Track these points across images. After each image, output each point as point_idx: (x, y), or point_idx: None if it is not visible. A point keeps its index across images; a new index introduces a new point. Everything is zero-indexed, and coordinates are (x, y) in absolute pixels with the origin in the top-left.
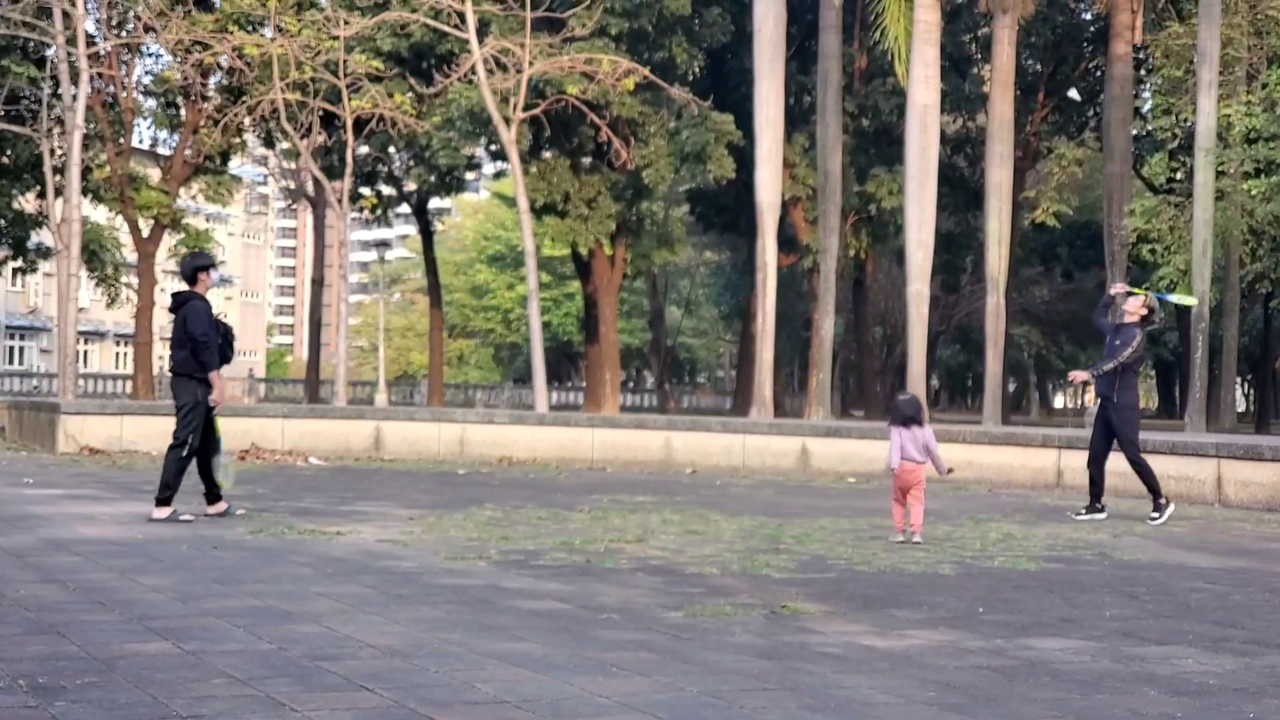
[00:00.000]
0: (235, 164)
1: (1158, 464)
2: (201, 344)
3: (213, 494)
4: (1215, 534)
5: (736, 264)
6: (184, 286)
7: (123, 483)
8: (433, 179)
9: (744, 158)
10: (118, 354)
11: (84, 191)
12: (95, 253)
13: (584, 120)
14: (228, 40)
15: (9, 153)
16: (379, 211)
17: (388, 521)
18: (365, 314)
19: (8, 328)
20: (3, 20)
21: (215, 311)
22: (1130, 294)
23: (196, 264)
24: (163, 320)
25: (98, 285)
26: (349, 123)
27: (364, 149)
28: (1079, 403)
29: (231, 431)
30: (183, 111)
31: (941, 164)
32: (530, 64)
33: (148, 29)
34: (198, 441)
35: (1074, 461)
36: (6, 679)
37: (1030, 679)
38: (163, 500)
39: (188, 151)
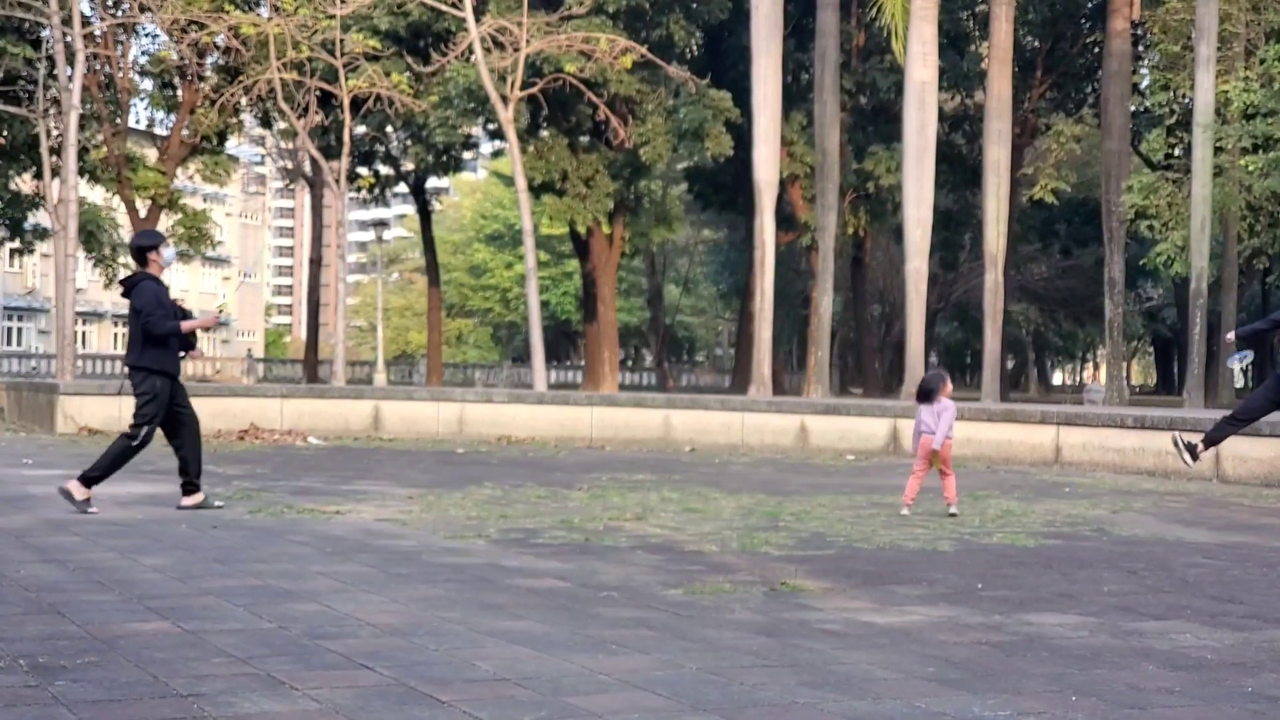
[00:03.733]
0: (232, 144)
1: (1156, 440)
2: (146, 319)
3: (189, 485)
4: (1213, 509)
5: (735, 242)
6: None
7: None
8: (430, 158)
9: (742, 136)
10: (116, 334)
11: (81, 172)
12: (92, 233)
13: (582, 99)
14: (224, 20)
15: (5, 133)
16: (377, 191)
17: (387, 500)
18: (363, 294)
19: (5, 308)
20: None
21: (177, 298)
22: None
23: (140, 243)
24: None
25: (95, 266)
26: (346, 102)
27: (361, 128)
28: (1077, 380)
29: (231, 411)
30: (179, 92)
31: (939, 141)
32: (528, 42)
33: (143, 9)
34: (151, 435)
35: (1072, 438)
36: (7, 658)
37: (1029, 654)
38: (87, 480)
39: (185, 132)
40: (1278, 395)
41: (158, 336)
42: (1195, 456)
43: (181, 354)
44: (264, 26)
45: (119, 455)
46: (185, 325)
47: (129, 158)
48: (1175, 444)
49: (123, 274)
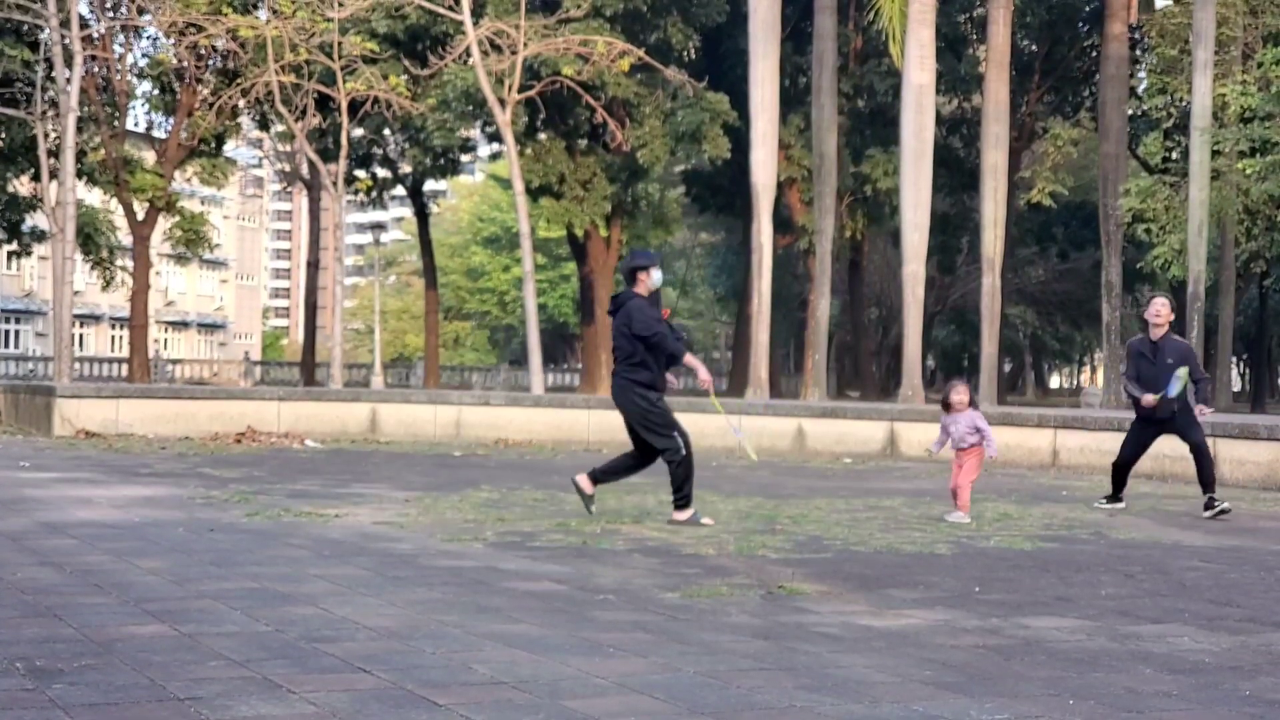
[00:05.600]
0: (230, 147)
1: (1154, 443)
2: (653, 343)
3: (598, 478)
4: None
5: (732, 245)
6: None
7: (119, 466)
8: (428, 161)
9: (739, 139)
10: (113, 337)
11: (78, 174)
12: (90, 236)
13: (579, 101)
14: (222, 22)
15: (3, 135)
16: (374, 194)
17: (384, 503)
18: (361, 296)
19: (2, 311)
20: None
21: (666, 310)
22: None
23: (634, 264)
24: (158, 303)
25: (93, 268)
26: (344, 105)
27: (359, 131)
28: (1074, 383)
29: (228, 414)
30: (177, 94)
31: (937, 145)
32: (525, 45)
33: (141, 11)
34: (685, 435)
35: (1069, 441)
36: (4, 662)
37: (1026, 658)
38: (680, 504)
39: (182, 134)
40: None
41: (669, 355)
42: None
43: (669, 371)
44: (262, 29)
45: (681, 473)
46: (689, 360)
47: (127, 160)
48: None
49: (121, 277)
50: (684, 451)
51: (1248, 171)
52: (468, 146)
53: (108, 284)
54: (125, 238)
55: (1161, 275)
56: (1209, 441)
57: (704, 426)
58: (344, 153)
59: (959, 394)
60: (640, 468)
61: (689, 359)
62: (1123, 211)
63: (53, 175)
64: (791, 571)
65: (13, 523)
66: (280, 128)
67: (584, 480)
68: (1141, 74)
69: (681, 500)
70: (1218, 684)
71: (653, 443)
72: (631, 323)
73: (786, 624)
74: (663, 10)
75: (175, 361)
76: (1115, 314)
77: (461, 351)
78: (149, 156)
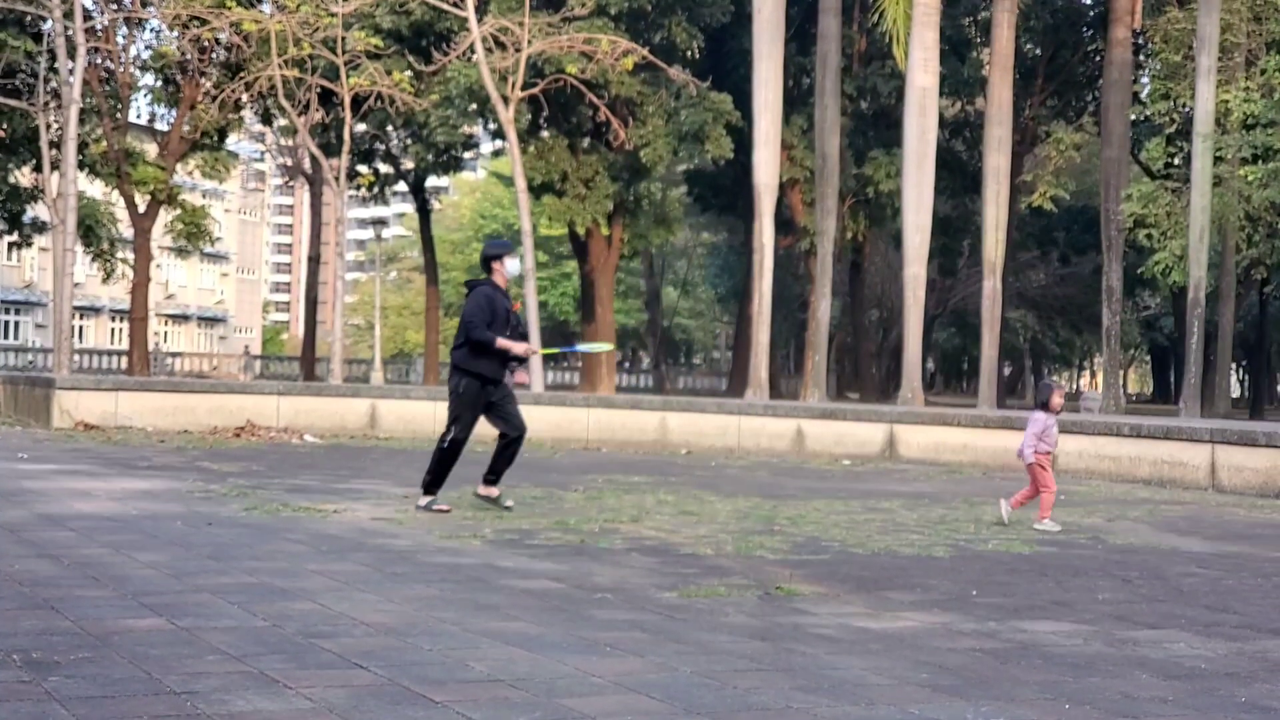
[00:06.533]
0: (232, 140)
1: (1152, 449)
2: (468, 324)
3: (490, 478)
4: (1209, 519)
5: (734, 245)
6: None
7: (118, 458)
8: (430, 157)
9: (742, 139)
10: (113, 329)
11: (80, 166)
12: (91, 228)
13: (582, 100)
14: (225, 16)
15: (5, 126)
16: (376, 189)
17: (383, 499)
18: (361, 292)
19: (2, 302)
20: None
21: (515, 304)
22: None
23: (488, 253)
24: (158, 296)
25: (93, 260)
26: (347, 100)
27: (362, 127)
28: (1074, 388)
29: (227, 408)
30: (180, 87)
31: (939, 147)
32: (529, 43)
33: (145, 3)
34: (463, 434)
35: (1068, 446)
36: (0, 654)
37: (1023, 661)
38: (427, 489)
39: (185, 127)
40: None
41: (474, 342)
42: None
43: (512, 365)
44: (266, 23)
45: (438, 460)
46: (500, 343)
47: (129, 153)
48: None
49: (121, 269)
50: (446, 445)
51: (1249, 178)
52: (470, 143)
53: (108, 276)
54: (126, 230)
55: (1162, 281)
56: (1208, 449)
57: (703, 427)
58: (346, 148)
59: (1062, 395)
60: (516, 444)
61: (500, 342)
62: (1124, 216)
63: (54, 167)
64: (789, 572)
65: (11, 514)
66: (283, 122)
67: (483, 489)
68: (1145, 79)
69: (429, 486)
70: (1213, 690)
71: (446, 425)
72: (466, 303)
73: (784, 625)
74: (667, 9)
75: (175, 355)
76: (1115, 319)
77: None
78: (151, 149)
